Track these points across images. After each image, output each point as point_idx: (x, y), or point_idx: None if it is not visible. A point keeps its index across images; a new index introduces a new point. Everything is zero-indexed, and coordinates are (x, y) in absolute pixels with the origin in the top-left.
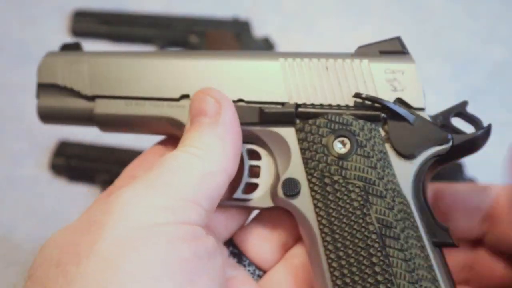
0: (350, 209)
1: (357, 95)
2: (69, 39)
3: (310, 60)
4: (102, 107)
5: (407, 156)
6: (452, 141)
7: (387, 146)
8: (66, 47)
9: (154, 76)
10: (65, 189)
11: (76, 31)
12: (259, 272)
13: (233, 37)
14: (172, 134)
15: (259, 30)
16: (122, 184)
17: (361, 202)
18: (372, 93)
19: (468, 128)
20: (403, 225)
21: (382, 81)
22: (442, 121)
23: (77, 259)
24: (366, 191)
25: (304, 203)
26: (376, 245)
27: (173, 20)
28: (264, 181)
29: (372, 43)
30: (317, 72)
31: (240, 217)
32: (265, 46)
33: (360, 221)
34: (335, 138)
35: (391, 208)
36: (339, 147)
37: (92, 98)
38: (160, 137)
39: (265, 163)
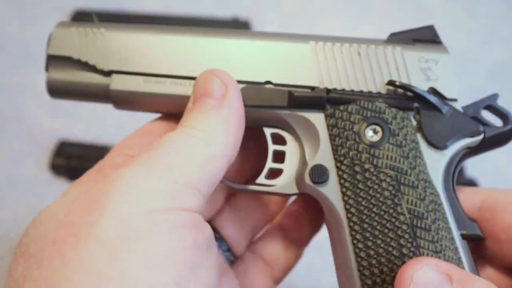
0: (381, 199)
1: (390, 83)
2: None
3: (342, 44)
4: (118, 83)
5: (439, 146)
6: (484, 134)
7: (418, 136)
8: (78, 17)
9: (177, 53)
10: (65, 189)
11: None
12: (232, 258)
13: None
14: None
15: (259, 30)
16: (116, 162)
17: (393, 192)
18: (405, 82)
19: (494, 121)
20: (434, 216)
21: (416, 69)
22: (473, 113)
23: (75, 241)
24: (397, 180)
25: (332, 190)
26: (407, 235)
27: (173, 20)
28: (289, 167)
29: (405, 31)
30: (349, 57)
31: (218, 201)
32: None
33: (391, 211)
34: (367, 126)
35: (422, 198)
36: (371, 135)
37: (108, 73)
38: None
39: (291, 148)
